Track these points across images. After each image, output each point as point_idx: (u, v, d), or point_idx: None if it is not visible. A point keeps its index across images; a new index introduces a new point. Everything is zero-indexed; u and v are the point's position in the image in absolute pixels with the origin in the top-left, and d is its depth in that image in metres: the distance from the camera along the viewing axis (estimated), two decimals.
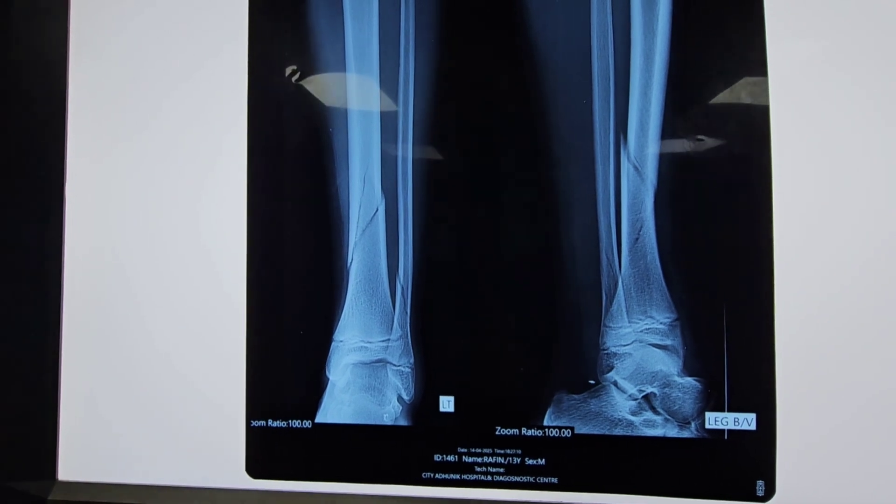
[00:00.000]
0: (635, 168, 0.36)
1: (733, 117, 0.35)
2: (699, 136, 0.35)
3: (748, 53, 0.35)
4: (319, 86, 0.39)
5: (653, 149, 0.36)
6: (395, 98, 0.38)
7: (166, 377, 0.40)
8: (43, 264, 0.41)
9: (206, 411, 0.39)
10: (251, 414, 0.39)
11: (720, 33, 0.35)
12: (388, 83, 0.38)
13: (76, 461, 0.41)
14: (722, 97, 0.35)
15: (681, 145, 0.35)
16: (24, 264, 0.41)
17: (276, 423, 0.38)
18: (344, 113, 0.39)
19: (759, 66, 0.35)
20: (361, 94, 0.38)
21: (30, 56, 0.42)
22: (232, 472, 0.39)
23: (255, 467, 0.39)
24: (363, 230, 0.38)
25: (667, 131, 0.35)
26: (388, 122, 0.38)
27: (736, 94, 0.35)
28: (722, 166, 0.35)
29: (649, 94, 0.36)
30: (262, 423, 0.38)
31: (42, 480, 0.40)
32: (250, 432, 0.39)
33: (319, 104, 0.39)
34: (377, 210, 0.38)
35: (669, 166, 0.35)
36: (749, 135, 0.35)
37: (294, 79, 0.39)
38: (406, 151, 0.38)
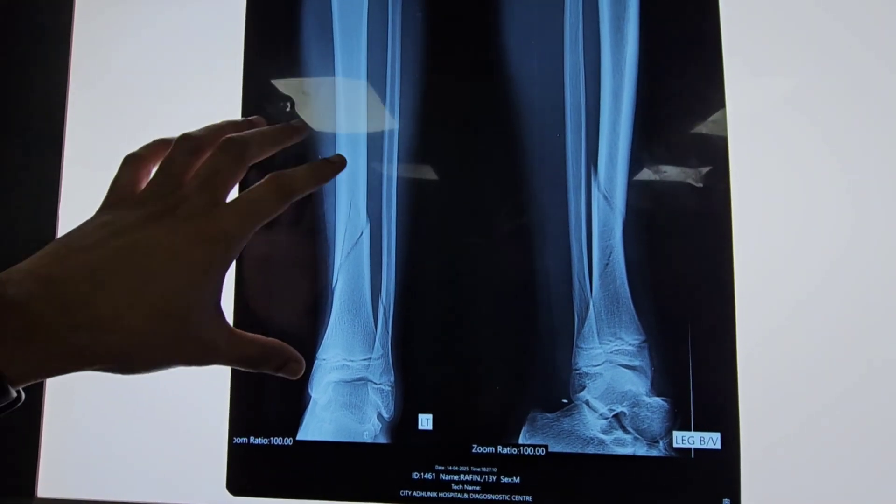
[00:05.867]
0: (605, 198, 0.38)
1: (695, 150, 0.37)
2: (664, 168, 0.38)
3: (708, 91, 0.38)
4: (309, 113, 0.41)
5: (621, 180, 0.38)
6: (381, 130, 0.40)
7: (149, 395, 0.40)
8: None
9: (188, 428, 0.40)
10: (234, 431, 0.39)
11: (682, 73, 0.38)
12: (375, 116, 0.40)
13: (56, 478, 0.40)
14: (685, 132, 0.38)
15: (647, 177, 0.38)
16: None
17: (258, 441, 0.39)
18: (332, 140, 0.41)
19: (717, 103, 0.37)
20: (349, 123, 0.40)
21: (32, 72, 0.44)
22: (212, 489, 0.39)
23: (236, 484, 0.39)
24: (348, 253, 0.40)
25: (634, 164, 0.38)
26: (374, 151, 0.40)
27: (697, 128, 0.38)
28: (685, 195, 0.37)
29: (618, 129, 0.38)
30: (245, 439, 0.39)
31: (20, 497, 0.40)
32: (232, 449, 0.39)
33: (309, 131, 0.40)
34: (362, 233, 0.40)
35: (637, 196, 0.38)
36: (710, 166, 0.37)
37: (286, 110, 0.41)
38: (391, 179, 0.40)
